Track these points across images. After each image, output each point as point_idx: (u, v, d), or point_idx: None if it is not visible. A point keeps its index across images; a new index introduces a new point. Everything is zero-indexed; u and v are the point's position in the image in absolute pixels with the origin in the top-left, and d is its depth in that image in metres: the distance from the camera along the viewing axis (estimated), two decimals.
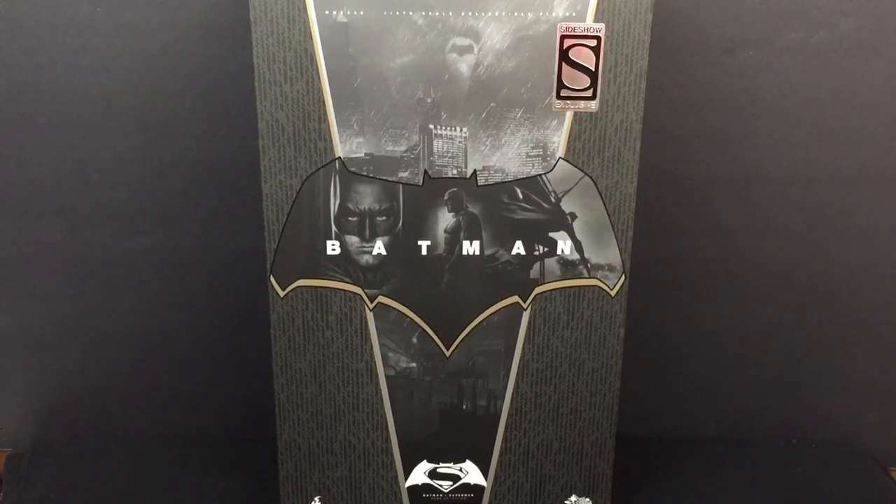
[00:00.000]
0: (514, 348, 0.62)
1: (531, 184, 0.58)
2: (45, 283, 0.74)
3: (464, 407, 0.64)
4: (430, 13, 0.54)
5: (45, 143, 0.69)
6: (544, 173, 0.58)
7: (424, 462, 0.65)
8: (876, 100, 0.69)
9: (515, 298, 0.61)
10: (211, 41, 0.67)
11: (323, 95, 0.56)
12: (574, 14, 0.55)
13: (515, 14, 0.54)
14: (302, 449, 0.65)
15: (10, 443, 0.79)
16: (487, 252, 0.60)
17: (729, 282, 0.75)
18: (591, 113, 0.57)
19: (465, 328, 0.61)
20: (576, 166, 0.58)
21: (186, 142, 0.70)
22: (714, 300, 0.76)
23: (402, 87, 0.56)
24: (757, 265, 0.74)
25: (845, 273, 0.74)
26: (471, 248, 0.59)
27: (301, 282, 0.60)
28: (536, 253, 0.60)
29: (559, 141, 0.57)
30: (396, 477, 0.65)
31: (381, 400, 0.63)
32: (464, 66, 0.55)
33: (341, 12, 0.54)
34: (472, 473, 0.65)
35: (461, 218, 0.59)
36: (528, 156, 0.57)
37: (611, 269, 0.60)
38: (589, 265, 0.60)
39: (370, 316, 0.61)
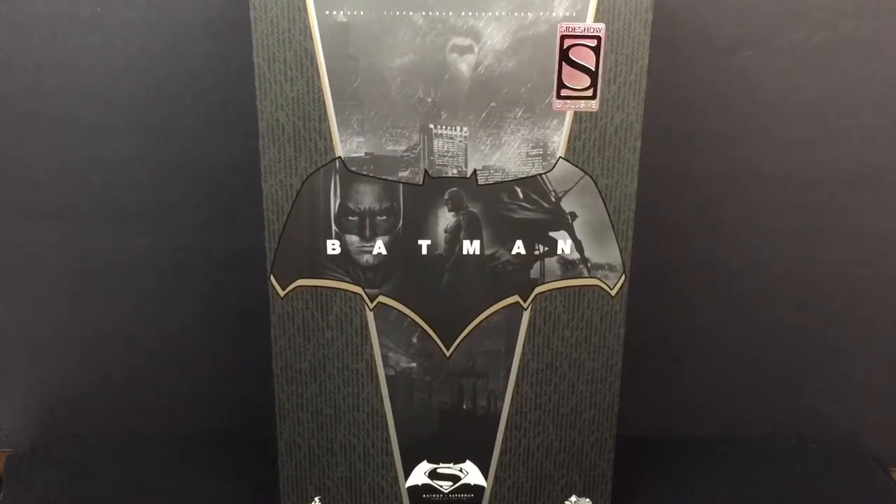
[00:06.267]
0: (514, 348, 0.62)
1: (531, 183, 0.58)
2: (45, 283, 0.74)
3: (464, 407, 0.64)
4: (430, 13, 0.54)
5: (45, 143, 0.69)
6: (544, 173, 0.58)
7: (424, 462, 0.65)
8: (876, 100, 0.69)
9: (515, 298, 0.61)
10: (211, 41, 0.67)
11: (323, 95, 0.56)
12: (574, 14, 0.55)
13: (515, 14, 0.54)
14: (302, 449, 0.65)
15: (10, 443, 0.79)
16: (487, 252, 0.60)
17: (729, 282, 0.75)
18: (591, 113, 0.57)
19: (465, 328, 0.61)
20: (576, 166, 0.58)
21: (186, 142, 0.70)
22: (714, 300, 0.76)
23: (403, 87, 0.56)
24: (757, 265, 0.74)
25: (845, 273, 0.74)
26: (471, 247, 0.59)
27: (301, 281, 0.60)
28: (536, 252, 0.60)
29: (559, 140, 0.57)
30: (396, 477, 0.65)
31: (381, 400, 0.63)
32: (464, 65, 0.55)
33: (341, 12, 0.54)
34: (472, 474, 0.65)
35: (461, 217, 0.59)
36: (528, 155, 0.57)
37: (611, 268, 0.60)
38: (589, 265, 0.60)
39: (370, 316, 0.61)
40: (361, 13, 0.54)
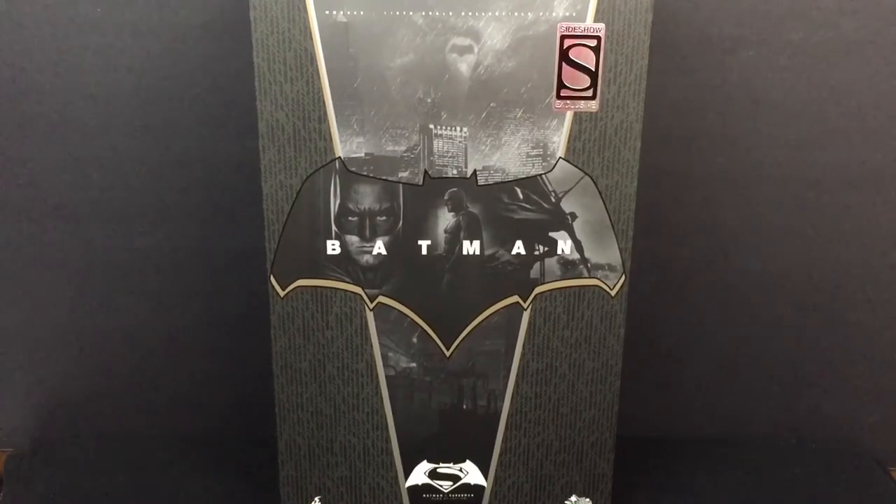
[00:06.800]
0: (514, 348, 0.62)
1: (531, 184, 0.58)
2: (45, 283, 0.74)
3: (464, 407, 0.64)
4: (430, 13, 0.54)
5: (45, 143, 0.69)
6: (544, 173, 0.58)
7: (424, 462, 0.65)
8: (876, 100, 0.69)
9: (515, 298, 0.61)
10: (211, 41, 0.67)
11: (323, 95, 0.56)
12: (574, 14, 0.55)
13: (515, 14, 0.54)
14: (302, 449, 0.65)
15: (10, 443, 0.79)
16: (487, 252, 0.60)
17: (729, 282, 0.75)
18: (591, 113, 0.57)
19: (465, 328, 0.61)
20: (576, 166, 0.58)
21: (186, 142, 0.70)
22: (714, 300, 0.76)
23: (402, 87, 0.56)
24: (757, 265, 0.74)
25: (845, 273, 0.74)
26: (471, 247, 0.59)
27: (301, 282, 0.60)
28: (536, 253, 0.60)
29: (559, 141, 0.57)
30: (396, 477, 0.65)
31: (381, 400, 0.63)
32: (464, 66, 0.55)
33: (341, 12, 0.54)
34: (472, 473, 0.65)
35: (461, 218, 0.59)
36: (528, 156, 0.57)
37: (611, 268, 0.60)
38: (589, 265, 0.60)
39: (370, 316, 0.61)
40: (361, 13, 0.54)
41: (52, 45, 0.67)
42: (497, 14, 0.54)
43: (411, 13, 0.54)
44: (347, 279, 0.60)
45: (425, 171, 0.57)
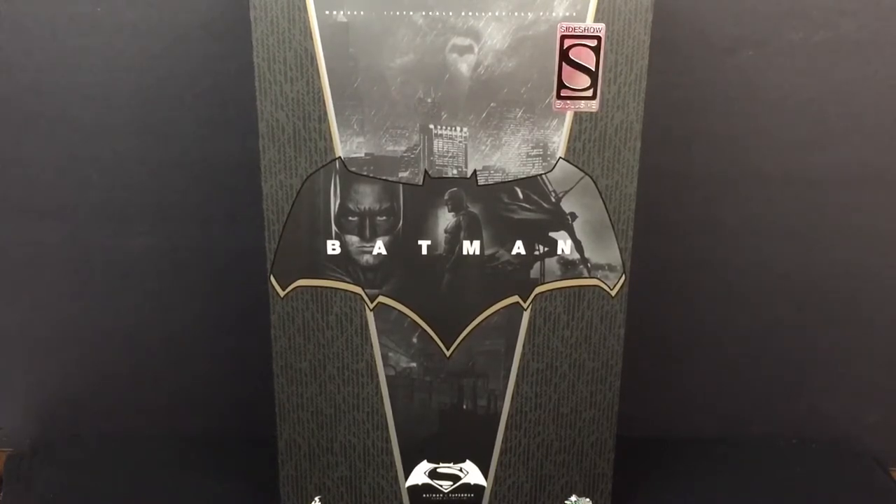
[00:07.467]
0: (514, 348, 0.62)
1: (531, 184, 0.58)
2: (45, 283, 0.74)
3: (464, 407, 0.64)
4: (430, 13, 0.54)
5: (45, 143, 0.69)
6: (544, 173, 0.58)
7: (424, 462, 0.65)
8: (876, 100, 0.69)
9: (515, 298, 0.61)
10: (211, 41, 0.67)
11: (323, 95, 0.56)
12: (574, 14, 0.55)
13: (515, 14, 0.54)
14: (302, 449, 0.65)
15: (10, 443, 0.79)
16: (487, 252, 0.60)
17: (729, 282, 0.75)
18: (591, 113, 0.57)
19: (465, 328, 0.61)
20: (576, 166, 0.58)
21: (186, 142, 0.70)
22: (714, 300, 0.76)
23: (403, 87, 0.56)
24: (757, 265, 0.74)
25: (845, 273, 0.74)
26: (471, 247, 0.59)
27: (301, 282, 0.60)
28: (537, 253, 0.60)
29: (559, 141, 0.57)
30: (396, 477, 0.65)
31: (381, 400, 0.63)
32: (464, 66, 0.55)
33: (341, 12, 0.54)
34: (472, 473, 0.65)
35: (461, 218, 0.59)
36: (528, 156, 0.57)
37: (611, 268, 0.60)
38: (589, 265, 0.60)
39: (370, 316, 0.61)
40: (361, 13, 0.54)
41: (52, 45, 0.67)
42: (497, 14, 0.54)
43: (411, 13, 0.54)
44: (347, 279, 0.60)
45: (425, 171, 0.57)
